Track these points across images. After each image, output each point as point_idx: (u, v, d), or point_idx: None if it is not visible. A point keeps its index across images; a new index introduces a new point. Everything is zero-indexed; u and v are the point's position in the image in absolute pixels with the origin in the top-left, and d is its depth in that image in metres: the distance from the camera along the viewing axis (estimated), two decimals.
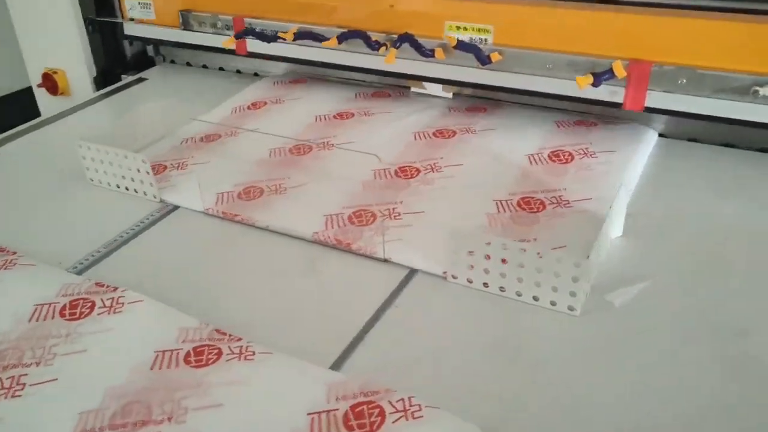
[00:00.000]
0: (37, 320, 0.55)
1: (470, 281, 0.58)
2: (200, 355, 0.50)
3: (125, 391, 0.47)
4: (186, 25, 1.03)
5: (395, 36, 0.82)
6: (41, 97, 1.21)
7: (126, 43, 1.15)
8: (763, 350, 0.50)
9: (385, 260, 0.61)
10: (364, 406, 0.45)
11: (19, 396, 0.48)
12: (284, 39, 0.88)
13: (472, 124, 0.84)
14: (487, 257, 0.56)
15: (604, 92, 0.76)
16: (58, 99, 1.18)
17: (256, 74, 1.07)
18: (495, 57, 0.78)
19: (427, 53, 0.81)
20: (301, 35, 0.87)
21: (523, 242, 0.60)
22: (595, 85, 0.71)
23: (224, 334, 0.53)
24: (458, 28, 0.81)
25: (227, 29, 0.99)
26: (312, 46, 0.89)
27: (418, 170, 0.73)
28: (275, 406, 0.46)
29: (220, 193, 0.71)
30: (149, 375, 0.49)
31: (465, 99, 0.91)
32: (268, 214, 0.68)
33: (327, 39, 0.84)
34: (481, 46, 0.79)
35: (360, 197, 0.69)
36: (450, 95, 0.90)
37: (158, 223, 0.70)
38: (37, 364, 0.50)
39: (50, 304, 0.56)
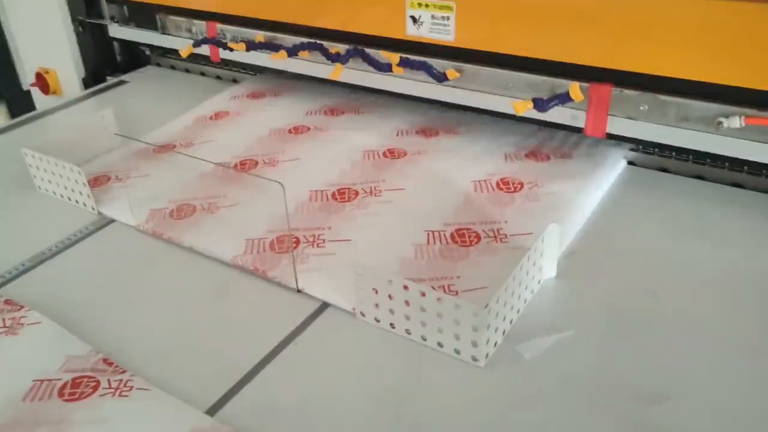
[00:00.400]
0: None
1: (377, 320, 0.54)
2: (76, 387, 0.49)
3: None
4: (164, 29, 1.02)
5: (356, 48, 0.79)
6: (36, 95, 1.23)
7: (116, 45, 1.15)
8: (677, 420, 0.45)
9: (298, 291, 0.59)
10: None
11: None
12: (234, 49, 0.86)
13: (426, 144, 0.80)
14: (390, 297, 0.52)
15: (566, 116, 0.71)
16: (50, 98, 1.19)
17: (234, 80, 1.05)
18: (452, 74, 0.74)
19: (383, 68, 0.78)
20: (253, 46, 0.84)
21: (435, 280, 0.56)
22: (539, 110, 0.66)
23: (110, 364, 0.51)
24: (420, 4, 0.76)
25: (201, 35, 0.97)
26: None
27: (356, 193, 0.70)
28: None
29: (153, 210, 0.70)
30: (19, 406, 0.48)
31: (428, 116, 0.86)
32: (195, 234, 0.66)
33: (278, 50, 0.82)
34: (444, 26, 0.73)
35: (286, 221, 0.66)
36: None
37: (91, 236, 0.69)
38: None
39: None
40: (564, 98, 0.68)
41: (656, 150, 0.73)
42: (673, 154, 0.72)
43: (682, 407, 0.46)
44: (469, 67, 0.75)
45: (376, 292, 0.53)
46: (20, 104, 1.28)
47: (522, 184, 0.70)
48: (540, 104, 0.66)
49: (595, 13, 0.65)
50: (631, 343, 0.52)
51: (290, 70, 0.88)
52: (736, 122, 0.62)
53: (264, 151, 0.80)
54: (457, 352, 0.51)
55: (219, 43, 0.89)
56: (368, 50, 0.78)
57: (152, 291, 0.61)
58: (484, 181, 0.71)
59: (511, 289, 0.51)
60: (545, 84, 0.71)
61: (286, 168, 0.76)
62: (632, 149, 0.76)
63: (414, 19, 0.76)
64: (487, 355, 0.51)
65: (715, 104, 0.63)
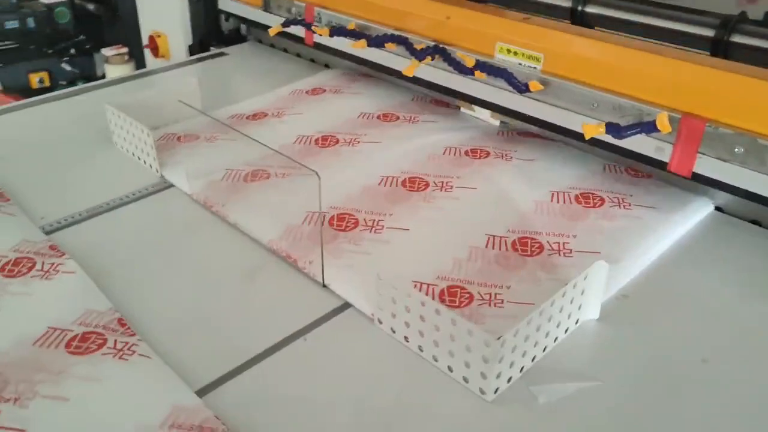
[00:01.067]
0: None
1: (393, 330, 0.52)
2: (83, 342, 0.49)
3: None
4: (266, 7, 1.03)
5: (437, 46, 0.76)
6: (148, 57, 1.29)
7: (223, 18, 1.18)
8: None
9: (324, 286, 0.57)
10: None
11: None
12: (318, 33, 0.86)
13: (511, 149, 0.76)
14: (407, 309, 0.49)
15: (650, 147, 0.65)
16: (158, 61, 1.24)
17: (326, 65, 1.05)
18: (535, 86, 0.70)
19: (464, 70, 0.74)
20: (337, 32, 0.83)
21: (483, 286, 0.53)
22: (615, 136, 0.61)
23: (123, 325, 0.51)
24: (509, 51, 0.73)
25: (300, 17, 0.97)
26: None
27: (427, 184, 0.68)
28: (112, 414, 0.44)
29: (208, 180, 0.70)
30: (28, 349, 0.49)
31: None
32: (241, 211, 0.65)
33: (359, 39, 0.80)
34: (527, 72, 0.70)
35: (349, 201, 0.65)
36: (497, 123, 0.82)
37: (148, 197, 0.71)
38: None
39: None
40: (649, 127, 0.62)
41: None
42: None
43: None
44: (554, 81, 0.70)
45: (394, 302, 0.50)
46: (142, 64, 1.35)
47: (603, 200, 0.66)
48: (615, 130, 0.60)
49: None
50: (662, 411, 0.46)
51: (374, 60, 0.86)
52: None
53: (347, 131, 0.79)
54: (466, 380, 0.47)
55: (305, 24, 0.89)
56: (449, 49, 0.74)
57: (186, 261, 0.61)
58: (564, 192, 0.67)
59: (536, 323, 0.47)
60: (633, 109, 0.65)
61: (363, 149, 0.76)
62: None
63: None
64: (496, 390, 0.46)
65: None
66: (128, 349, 0.49)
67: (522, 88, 0.70)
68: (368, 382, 0.49)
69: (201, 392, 0.47)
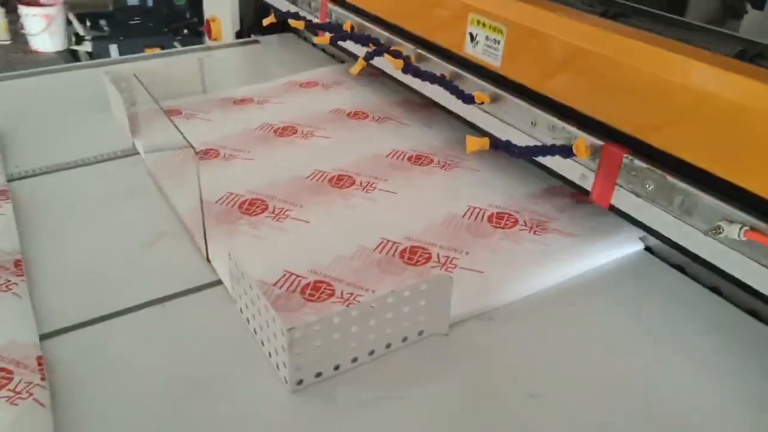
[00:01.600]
0: None
1: (241, 311, 0.54)
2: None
3: None
4: (294, 1, 1.07)
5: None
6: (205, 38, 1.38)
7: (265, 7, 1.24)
8: None
9: (208, 260, 0.60)
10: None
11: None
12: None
13: (461, 159, 0.75)
14: (245, 291, 0.51)
15: (576, 173, 0.62)
16: (210, 42, 1.33)
17: (342, 61, 1.07)
18: (480, 97, 0.69)
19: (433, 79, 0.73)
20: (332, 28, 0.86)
21: (354, 287, 0.54)
22: (513, 154, 0.58)
23: (18, 266, 0.57)
24: (478, 22, 0.71)
25: (317, 11, 1.01)
26: None
27: (352, 183, 0.70)
28: None
29: (161, 155, 0.75)
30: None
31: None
32: (174, 185, 0.70)
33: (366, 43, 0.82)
34: (495, 51, 0.68)
35: (271, 188, 0.68)
36: None
37: (114, 161, 0.77)
38: None
39: None
40: (566, 152, 0.60)
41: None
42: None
43: None
44: (498, 93, 0.68)
45: (238, 283, 0.52)
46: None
47: (516, 221, 0.64)
48: (507, 147, 0.58)
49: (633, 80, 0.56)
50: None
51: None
52: (735, 232, 0.49)
53: (309, 124, 0.82)
54: (277, 367, 0.48)
55: (298, 17, 0.92)
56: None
57: (110, 220, 0.66)
58: (480, 209, 0.66)
59: (345, 324, 0.47)
60: (563, 132, 0.62)
61: (314, 143, 0.78)
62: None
63: (472, 37, 0.72)
64: (300, 382, 0.47)
65: (723, 204, 0.51)
66: (6, 287, 0.55)
67: (468, 99, 0.69)
68: (198, 353, 0.51)
69: (48, 335, 0.51)
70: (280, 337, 0.46)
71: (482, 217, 0.64)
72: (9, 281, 0.55)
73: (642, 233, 0.63)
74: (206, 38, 1.36)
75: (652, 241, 0.63)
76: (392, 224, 0.63)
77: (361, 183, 0.70)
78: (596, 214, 0.66)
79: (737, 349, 0.52)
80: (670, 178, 0.54)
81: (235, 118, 0.84)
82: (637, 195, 0.57)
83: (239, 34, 1.26)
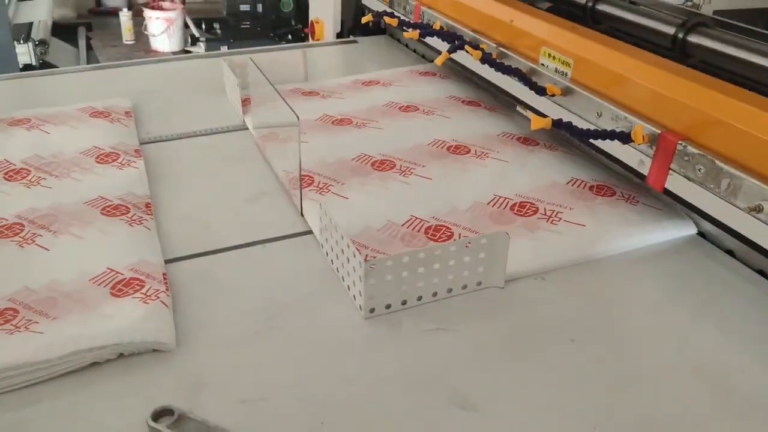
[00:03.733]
0: None
1: (327, 254, 0.63)
2: (116, 210, 0.68)
3: None
4: (391, 5, 1.17)
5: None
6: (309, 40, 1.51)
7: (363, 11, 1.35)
8: None
9: (302, 215, 0.70)
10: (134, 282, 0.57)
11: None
12: (406, 28, 0.97)
13: (492, 150, 0.81)
14: (331, 235, 0.60)
15: (634, 159, 0.68)
16: (313, 42, 1.45)
17: (430, 61, 1.16)
18: (552, 89, 0.76)
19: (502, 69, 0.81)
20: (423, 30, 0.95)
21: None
22: (573, 135, 0.65)
23: (148, 206, 0.69)
24: (549, 55, 0.80)
25: (410, 13, 1.10)
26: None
27: (393, 166, 0.77)
28: (96, 256, 0.61)
29: (266, 126, 0.86)
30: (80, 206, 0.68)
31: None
32: (274, 151, 0.80)
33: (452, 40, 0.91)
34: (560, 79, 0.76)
35: (323, 167, 0.78)
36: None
37: (225, 133, 0.89)
38: None
39: None
40: (624, 137, 0.66)
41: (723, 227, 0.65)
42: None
43: None
44: (569, 87, 0.75)
45: (326, 228, 0.61)
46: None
47: (537, 210, 0.69)
48: (568, 128, 0.65)
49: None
50: (496, 373, 0.52)
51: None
52: None
53: (364, 116, 0.90)
54: (355, 297, 0.57)
55: (393, 16, 1.01)
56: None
57: (221, 180, 0.77)
58: (505, 198, 0.71)
59: (414, 263, 0.55)
60: (625, 122, 0.68)
61: (367, 133, 0.86)
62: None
63: (543, 65, 0.80)
64: (372, 310, 0.56)
65: (765, 185, 0.55)
66: (139, 221, 0.66)
67: (541, 91, 0.76)
68: (290, 284, 0.61)
69: (169, 261, 0.62)
70: (358, 269, 0.55)
71: (506, 206, 0.70)
72: (141, 217, 0.67)
73: (696, 219, 0.68)
74: (310, 39, 1.49)
75: (706, 227, 0.68)
76: (421, 204, 0.70)
77: (400, 168, 0.77)
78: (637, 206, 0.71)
79: None
80: (719, 163, 0.59)
81: (300, 107, 0.93)
82: (689, 179, 0.62)
83: (339, 35, 1.37)
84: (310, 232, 0.68)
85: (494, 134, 0.85)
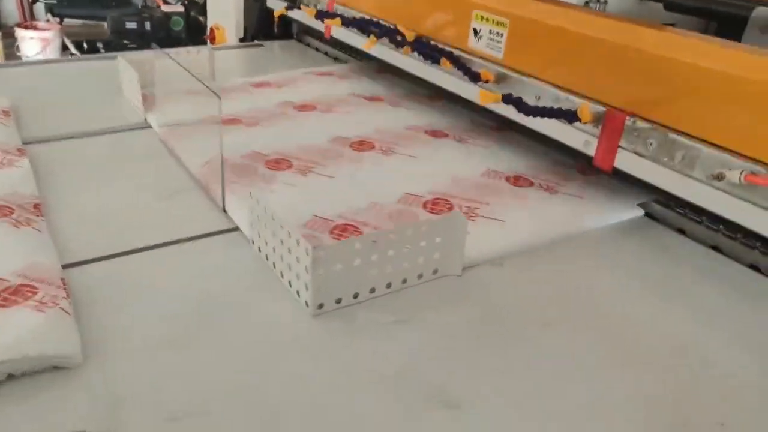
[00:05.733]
0: None
1: (260, 249, 0.55)
2: None
3: None
4: (296, 4, 1.11)
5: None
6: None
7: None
8: None
9: (224, 210, 0.61)
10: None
11: None
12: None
13: (470, 136, 0.78)
14: (265, 225, 0.52)
15: (579, 141, 0.65)
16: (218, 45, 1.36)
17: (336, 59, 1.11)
18: (486, 75, 0.72)
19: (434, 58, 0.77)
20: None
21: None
22: (520, 110, 0.61)
23: (36, 207, 0.58)
24: (482, 18, 0.74)
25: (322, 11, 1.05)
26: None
27: (372, 146, 0.72)
28: None
29: (167, 126, 0.77)
30: None
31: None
32: (184, 143, 0.71)
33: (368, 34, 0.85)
34: (498, 43, 0.72)
35: (299, 150, 0.70)
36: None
37: (126, 132, 0.79)
38: None
39: None
40: (570, 116, 0.63)
41: (673, 205, 0.64)
42: (686, 212, 0.63)
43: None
44: (502, 73, 0.72)
45: (258, 220, 0.53)
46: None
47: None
48: (518, 104, 0.61)
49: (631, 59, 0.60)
50: (478, 362, 0.46)
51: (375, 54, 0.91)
52: (735, 177, 0.52)
53: (325, 102, 0.85)
54: (298, 294, 0.49)
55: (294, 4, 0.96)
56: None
57: (127, 179, 0.67)
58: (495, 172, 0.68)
59: (366, 251, 0.48)
60: (567, 102, 0.65)
61: (336, 117, 0.81)
62: (656, 200, 0.66)
63: (475, 32, 0.76)
64: (321, 306, 0.48)
65: (724, 153, 0.54)
66: (27, 222, 0.55)
67: (475, 77, 0.72)
68: (214, 285, 0.52)
69: (68, 266, 0.52)
70: (303, 259, 0.47)
71: (500, 178, 0.67)
72: (29, 218, 0.56)
73: (640, 200, 0.66)
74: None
75: (652, 208, 0.66)
76: (412, 182, 0.65)
77: (381, 148, 0.72)
78: (599, 183, 0.68)
79: (738, 297, 0.54)
80: (672, 135, 0.57)
81: (254, 98, 0.87)
82: (640, 155, 0.60)
83: (242, 41, 1.29)
84: (235, 228, 0.59)
85: (400, 128, 0.80)
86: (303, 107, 0.84)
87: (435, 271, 0.53)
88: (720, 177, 0.53)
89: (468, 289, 0.53)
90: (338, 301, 0.49)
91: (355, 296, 0.50)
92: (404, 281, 0.52)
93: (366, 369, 0.44)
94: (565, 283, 0.55)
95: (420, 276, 0.53)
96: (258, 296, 0.51)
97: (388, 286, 0.51)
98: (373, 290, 0.51)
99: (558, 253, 0.59)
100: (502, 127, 0.80)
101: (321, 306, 0.48)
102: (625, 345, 0.48)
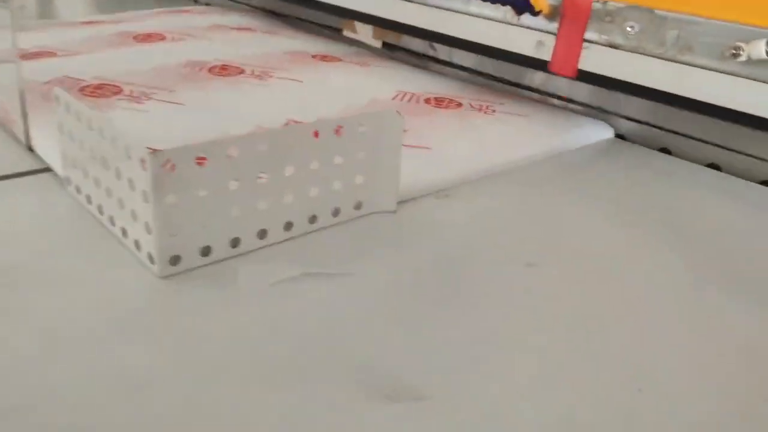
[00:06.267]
0: None
1: (78, 191, 0.35)
2: None
3: None
4: None
5: None
6: None
7: None
8: None
9: (30, 149, 0.40)
10: None
11: None
12: None
13: (369, 60, 0.61)
14: (83, 147, 0.32)
15: (530, 43, 0.50)
16: None
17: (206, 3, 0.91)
18: None
19: None
20: None
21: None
22: None
23: None
24: None
25: None
26: None
27: (241, 71, 0.54)
28: None
29: None
30: None
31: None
32: None
33: None
34: None
35: (131, 75, 0.51)
36: (379, 45, 0.67)
37: None
38: None
39: None
40: (522, 4, 0.47)
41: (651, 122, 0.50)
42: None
43: None
44: None
45: (81, 147, 0.33)
46: None
47: (461, 105, 0.50)
48: None
49: None
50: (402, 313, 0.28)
51: None
52: (761, 50, 0.38)
53: (181, 31, 0.65)
54: (138, 246, 0.30)
55: None
56: None
57: None
58: (412, 93, 0.51)
59: (248, 167, 0.30)
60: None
61: (188, 43, 0.62)
62: (629, 117, 0.52)
63: None
64: (176, 259, 0.29)
65: (737, 24, 0.39)
66: None
67: None
68: (16, 242, 0.31)
69: None
70: (139, 183, 0.28)
71: (419, 101, 0.50)
72: None
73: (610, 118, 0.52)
74: None
75: (625, 128, 0.52)
76: (300, 107, 0.47)
77: (253, 72, 0.53)
78: (545, 102, 0.53)
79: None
80: (660, 11, 0.42)
81: (79, 32, 0.65)
82: (616, 47, 0.45)
83: None
84: (45, 169, 0.39)
85: (278, 52, 0.61)
86: (148, 37, 0.63)
87: (358, 206, 0.35)
88: (737, 53, 0.39)
89: (407, 228, 0.35)
90: (206, 252, 0.30)
91: (235, 244, 0.31)
92: (312, 219, 0.34)
93: (254, 354, 0.25)
94: (521, 214, 0.39)
95: (336, 212, 0.34)
96: (79, 256, 0.31)
97: (288, 227, 0.33)
98: (263, 233, 0.32)
99: (516, 178, 0.43)
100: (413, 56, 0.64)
101: (176, 260, 0.29)
102: (612, 287, 0.32)
